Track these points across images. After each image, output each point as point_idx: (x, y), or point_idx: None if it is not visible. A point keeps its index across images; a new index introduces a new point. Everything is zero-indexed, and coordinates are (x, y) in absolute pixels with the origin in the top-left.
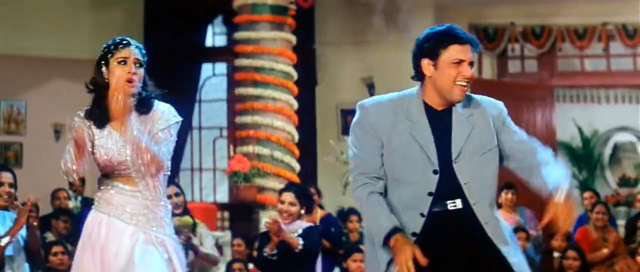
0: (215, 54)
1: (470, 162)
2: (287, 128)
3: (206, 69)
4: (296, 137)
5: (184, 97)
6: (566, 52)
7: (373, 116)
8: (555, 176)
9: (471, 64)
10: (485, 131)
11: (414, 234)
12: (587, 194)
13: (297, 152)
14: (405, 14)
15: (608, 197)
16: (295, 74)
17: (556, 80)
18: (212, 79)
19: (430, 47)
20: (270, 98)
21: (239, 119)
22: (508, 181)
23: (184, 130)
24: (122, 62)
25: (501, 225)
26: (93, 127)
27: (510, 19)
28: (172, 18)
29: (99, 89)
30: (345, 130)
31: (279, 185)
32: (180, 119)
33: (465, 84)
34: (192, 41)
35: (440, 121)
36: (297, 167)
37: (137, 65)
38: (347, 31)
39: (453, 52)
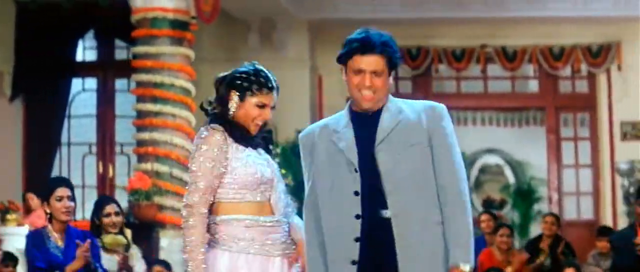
0: (85, 69)
1: (392, 151)
2: (186, 146)
3: (76, 84)
4: None
5: (53, 112)
6: (442, 74)
7: (305, 144)
8: (454, 244)
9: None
10: (414, 126)
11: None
12: (484, 217)
13: None
14: (280, 33)
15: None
16: (193, 90)
17: (432, 101)
18: (82, 94)
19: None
20: (170, 114)
21: (137, 136)
22: None
23: (53, 146)
24: (261, 107)
25: (419, 222)
26: (234, 145)
27: None
28: (43, 31)
29: (219, 112)
30: None
31: (177, 204)
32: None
33: (366, 93)
34: (63, 55)
35: (368, 121)
36: None
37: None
38: (223, 47)
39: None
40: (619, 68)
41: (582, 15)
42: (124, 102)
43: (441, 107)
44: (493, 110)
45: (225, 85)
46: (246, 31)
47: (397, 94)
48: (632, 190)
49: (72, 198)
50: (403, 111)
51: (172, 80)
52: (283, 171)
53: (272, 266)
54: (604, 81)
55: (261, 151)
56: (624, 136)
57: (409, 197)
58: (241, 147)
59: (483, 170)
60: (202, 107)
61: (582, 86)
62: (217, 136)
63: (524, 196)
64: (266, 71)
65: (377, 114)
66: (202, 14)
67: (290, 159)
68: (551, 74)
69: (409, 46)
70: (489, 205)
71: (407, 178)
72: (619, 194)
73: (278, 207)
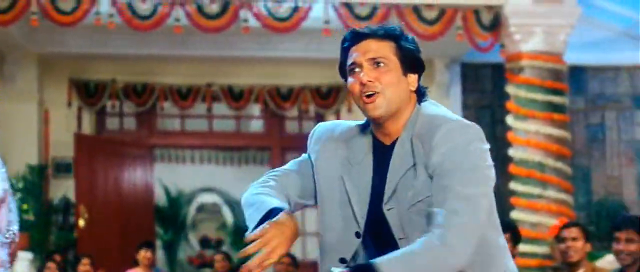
0: None
1: (402, 211)
2: None
3: None
4: None
5: None
6: (167, 112)
7: (315, 145)
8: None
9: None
10: (422, 174)
11: None
12: (218, 257)
13: None
14: (10, 65)
15: (193, 259)
16: None
17: (155, 139)
18: None
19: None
20: None
21: None
22: (148, 240)
23: None
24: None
25: None
26: None
27: (112, 75)
28: None
29: None
30: None
31: None
32: None
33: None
34: None
35: (385, 156)
36: None
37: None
38: None
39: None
40: (349, 110)
41: (312, 57)
42: None
43: (458, 134)
44: (218, 149)
45: None
46: None
47: (121, 132)
48: None
49: None
50: (418, 146)
51: None
52: (25, 206)
53: None
54: None
55: None
56: None
57: None
58: None
59: (200, 209)
60: None
61: (309, 127)
62: None
63: (243, 235)
64: None
65: (392, 146)
66: None
67: (30, 190)
68: (278, 113)
69: (135, 83)
70: (205, 244)
71: None
72: None
73: None
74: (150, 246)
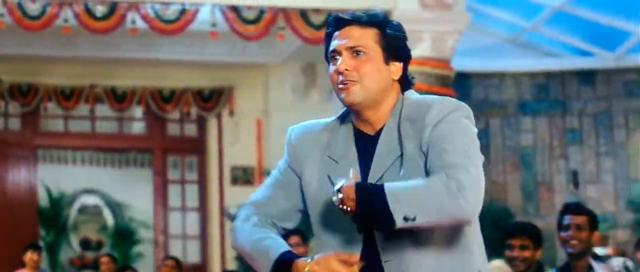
0: None
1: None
2: None
3: None
4: None
5: None
6: (51, 112)
7: (295, 149)
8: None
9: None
10: (414, 155)
11: None
12: (104, 259)
13: None
14: None
15: (74, 260)
16: None
17: (39, 139)
18: None
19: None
20: None
21: None
22: (34, 241)
23: None
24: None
25: None
26: None
27: None
28: None
29: None
30: None
31: None
32: None
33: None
34: None
35: (369, 148)
36: None
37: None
38: None
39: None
40: (231, 113)
41: (195, 60)
42: None
43: (447, 107)
44: (100, 150)
45: None
46: None
47: (5, 132)
48: None
49: None
50: (406, 131)
51: None
52: None
53: None
54: (214, 125)
55: None
56: (235, 181)
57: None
58: None
59: (81, 210)
60: None
61: (191, 130)
62: None
63: (124, 237)
64: None
65: (377, 136)
66: None
67: None
68: (160, 116)
69: (19, 83)
70: (86, 246)
71: (412, 244)
72: (228, 239)
73: None
74: (37, 247)
